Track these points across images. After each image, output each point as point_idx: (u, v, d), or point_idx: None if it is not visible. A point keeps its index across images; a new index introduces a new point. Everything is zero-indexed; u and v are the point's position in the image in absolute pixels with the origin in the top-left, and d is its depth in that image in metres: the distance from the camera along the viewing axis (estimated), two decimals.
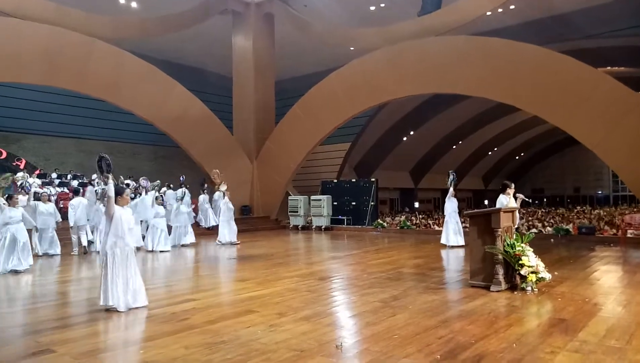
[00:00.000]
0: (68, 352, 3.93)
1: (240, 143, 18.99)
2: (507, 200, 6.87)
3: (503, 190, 7.08)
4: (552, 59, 13.53)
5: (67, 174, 18.10)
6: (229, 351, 3.89)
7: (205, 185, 16.13)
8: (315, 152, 20.31)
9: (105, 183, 5.60)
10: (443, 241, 11.33)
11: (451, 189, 11.40)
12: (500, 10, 17.81)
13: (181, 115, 16.95)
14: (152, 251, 11.13)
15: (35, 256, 9.76)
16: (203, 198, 15.59)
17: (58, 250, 10.49)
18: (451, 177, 11.35)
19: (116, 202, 5.52)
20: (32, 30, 13.85)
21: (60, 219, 10.91)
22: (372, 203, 18.38)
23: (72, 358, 3.78)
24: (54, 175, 17.30)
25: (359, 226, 17.79)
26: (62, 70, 14.40)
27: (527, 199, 7.41)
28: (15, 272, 8.11)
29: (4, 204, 8.37)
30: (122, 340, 4.46)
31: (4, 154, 19.54)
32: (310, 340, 4.13)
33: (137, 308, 5.35)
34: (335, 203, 18.50)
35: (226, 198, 13.14)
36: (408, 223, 17.01)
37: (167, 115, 16.71)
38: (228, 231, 12.73)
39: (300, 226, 18.14)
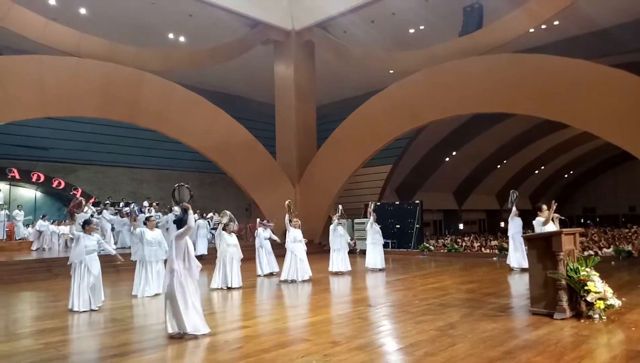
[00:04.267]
0: None
1: (283, 167, 19.23)
2: (541, 224, 6.87)
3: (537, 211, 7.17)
4: (600, 72, 13.02)
5: (119, 202, 18.87)
6: None
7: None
8: (356, 175, 20.26)
9: (186, 212, 5.48)
10: (511, 264, 11.02)
11: (514, 209, 11.06)
12: (544, 27, 17.41)
13: (226, 142, 17.41)
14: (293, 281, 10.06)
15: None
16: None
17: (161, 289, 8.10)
18: (513, 196, 11.06)
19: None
20: (88, 67, 14.74)
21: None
22: (418, 226, 18.03)
23: None
24: (107, 203, 18.07)
25: (404, 250, 17.47)
26: (115, 103, 15.17)
27: (564, 218, 7.34)
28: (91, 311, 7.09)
29: (78, 232, 7.45)
30: None
31: (63, 184, 20.67)
32: None
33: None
34: (379, 226, 18.24)
35: (371, 218, 12.39)
36: (456, 246, 16.55)
37: (213, 143, 17.20)
38: (374, 255, 12.10)
39: None
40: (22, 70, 13.61)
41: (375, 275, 11.33)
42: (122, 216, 16.62)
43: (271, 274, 11.35)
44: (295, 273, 10.07)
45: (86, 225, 7.53)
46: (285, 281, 10.04)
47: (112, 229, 15.67)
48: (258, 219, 12.06)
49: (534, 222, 7.21)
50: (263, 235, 11.67)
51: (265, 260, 11.46)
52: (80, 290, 7.10)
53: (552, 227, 6.98)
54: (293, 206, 11.12)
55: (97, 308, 7.16)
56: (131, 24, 18.36)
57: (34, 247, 16.13)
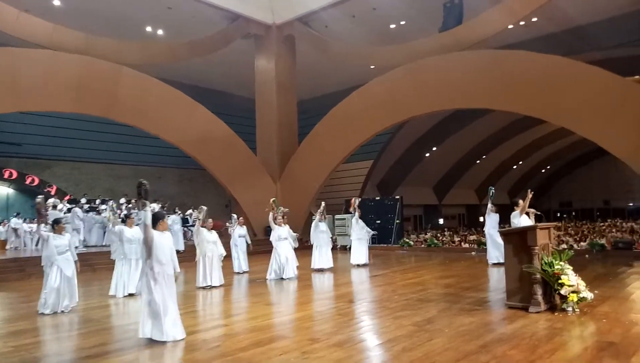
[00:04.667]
0: None
1: (263, 163, 19.09)
2: (518, 216, 7.39)
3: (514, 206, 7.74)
4: (577, 69, 13.27)
5: (95, 199, 18.50)
6: None
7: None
8: (337, 171, 20.25)
9: (142, 209, 5.30)
10: (489, 260, 11.13)
11: (489, 204, 11.21)
12: (522, 23, 17.64)
13: (205, 137, 17.18)
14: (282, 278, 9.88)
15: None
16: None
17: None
18: (490, 193, 11.22)
19: (156, 227, 5.33)
20: (64, 61, 14.34)
21: None
22: (398, 221, 18.13)
23: None
24: (83, 200, 17.70)
25: (385, 245, 17.55)
26: (92, 97, 14.80)
27: (539, 213, 7.61)
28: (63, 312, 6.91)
29: (47, 232, 7.20)
30: None
31: (37, 181, 20.13)
32: None
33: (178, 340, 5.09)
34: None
35: (356, 214, 12.15)
36: (435, 241, 16.71)
37: (192, 138, 16.95)
38: (359, 251, 11.95)
39: None
40: None
41: (358, 271, 11.35)
42: (99, 213, 16.33)
43: (243, 272, 11.22)
44: (280, 271, 9.95)
45: (55, 225, 7.29)
46: (270, 279, 9.87)
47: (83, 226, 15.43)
48: (233, 216, 11.97)
49: (511, 216, 7.40)
50: (237, 232, 11.52)
51: (239, 258, 11.31)
52: (48, 291, 6.90)
53: (527, 221, 7.15)
54: (276, 205, 10.98)
55: (66, 311, 6.92)
56: (107, 16, 17.93)
57: (7, 246, 15.73)
